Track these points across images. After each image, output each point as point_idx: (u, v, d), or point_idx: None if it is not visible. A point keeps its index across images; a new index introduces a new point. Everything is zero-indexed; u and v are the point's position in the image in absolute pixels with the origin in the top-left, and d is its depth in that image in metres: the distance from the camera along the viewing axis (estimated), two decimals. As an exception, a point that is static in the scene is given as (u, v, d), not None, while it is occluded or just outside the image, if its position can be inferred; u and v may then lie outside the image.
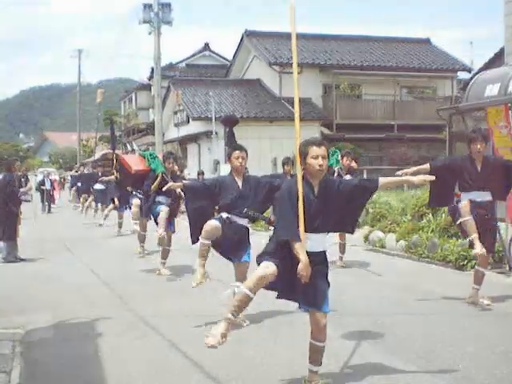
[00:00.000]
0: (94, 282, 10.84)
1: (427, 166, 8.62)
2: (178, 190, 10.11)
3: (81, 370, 6.08)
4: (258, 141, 29.52)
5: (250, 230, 8.11)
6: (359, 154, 32.32)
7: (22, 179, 21.77)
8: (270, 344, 6.69)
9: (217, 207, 7.79)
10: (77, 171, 33.22)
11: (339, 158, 12.02)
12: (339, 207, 5.34)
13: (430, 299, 8.74)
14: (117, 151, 14.30)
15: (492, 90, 11.16)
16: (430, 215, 13.74)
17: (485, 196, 8.41)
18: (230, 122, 12.60)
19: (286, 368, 5.91)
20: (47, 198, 30.80)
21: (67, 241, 17.09)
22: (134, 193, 12.90)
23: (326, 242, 5.40)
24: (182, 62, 50.04)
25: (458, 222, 8.62)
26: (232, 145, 13.81)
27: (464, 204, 8.41)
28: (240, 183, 7.61)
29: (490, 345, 6.61)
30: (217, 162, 29.33)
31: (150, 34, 31.18)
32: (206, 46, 51.05)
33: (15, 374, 5.93)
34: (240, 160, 7.54)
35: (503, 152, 10.35)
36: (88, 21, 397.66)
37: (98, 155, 40.51)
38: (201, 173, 25.30)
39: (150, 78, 41.78)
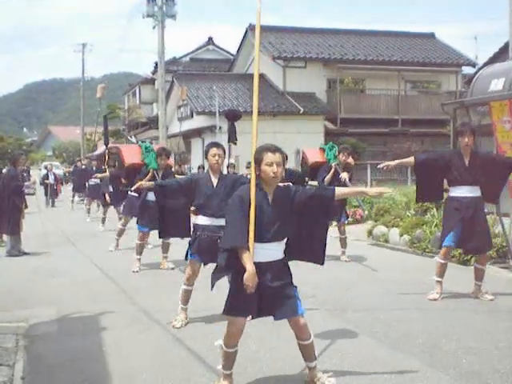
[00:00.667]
0: (98, 276, 10.85)
1: (411, 159, 8.64)
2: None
3: (84, 364, 6.08)
4: (262, 135, 29.25)
5: None
6: (363, 148, 32.35)
7: (25, 174, 21.77)
8: (273, 339, 6.69)
9: (192, 209, 7.64)
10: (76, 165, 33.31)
11: (336, 153, 11.96)
12: (293, 217, 5.21)
13: (429, 292, 8.71)
14: (118, 145, 14.21)
15: (497, 85, 11.11)
16: (434, 210, 13.72)
17: (473, 191, 8.37)
18: (232, 116, 12.55)
19: (288, 362, 5.90)
20: (51, 192, 30.82)
21: (71, 235, 17.12)
22: (128, 192, 12.82)
23: (283, 246, 5.23)
24: (185, 56, 50.05)
25: (437, 260, 8.79)
26: (233, 139, 13.77)
27: (443, 251, 8.56)
28: (215, 182, 7.38)
29: (493, 340, 6.60)
30: (220, 157, 29.30)
31: (153, 27, 31.17)
32: (210, 40, 51.04)
33: (18, 368, 5.95)
34: (217, 158, 7.31)
35: (505, 147, 10.32)
36: (92, 15, 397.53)
37: (100, 150, 40.49)
38: (201, 167, 25.27)
39: (154, 72, 41.81)
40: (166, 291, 9.25)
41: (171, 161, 12.27)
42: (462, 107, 12.05)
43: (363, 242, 14.84)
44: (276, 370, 5.77)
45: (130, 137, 45.73)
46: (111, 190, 17.43)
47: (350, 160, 12.27)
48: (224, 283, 6.49)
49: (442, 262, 8.61)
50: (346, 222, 12.64)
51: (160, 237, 8.01)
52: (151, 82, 46.30)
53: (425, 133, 33.59)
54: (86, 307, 8.41)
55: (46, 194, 30.97)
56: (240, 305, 5.07)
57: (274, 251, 5.12)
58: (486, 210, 8.81)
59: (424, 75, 37.24)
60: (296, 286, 5.26)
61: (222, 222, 7.21)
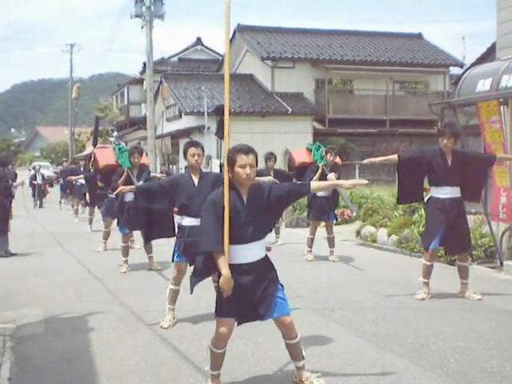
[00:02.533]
0: (86, 277, 10.82)
1: (395, 156, 8.63)
2: None
3: (72, 365, 6.06)
4: (250, 135, 29.43)
5: None
6: (352, 148, 32.39)
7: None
8: (260, 339, 6.68)
9: (176, 209, 7.59)
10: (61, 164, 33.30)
11: (323, 153, 11.95)
12: (270, 214, 5.21)
13: (416, 292, 8.73)
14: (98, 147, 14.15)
15: (484, 85, 11.14)
16: (422, 210, 13.73)
17: (455, 192, 8.39)
18: (222, 112, 12.52)
19: (277, 362, 5.90)
20: (39, 192, 30.72)
21: (58, 235, 17.06)
22: (107, 198, 12.79)
23: (264, 244, 5.21)
24: (174, 56, 50.00)
25: (422, 262, 8.78)
26: (220, 134, 13.77)
27: (430, 252, 8.58)
28: (196, 181, 7.35)
29: (481, 339, 6.62)
30: (209, 157, 29.27)
31: (142, 28, 31.11)
32: (199, 41, 51.00)
33: (5, 369, 5.91)
34: (196, 157, 7.29)
35: (495, 148, 10.36)
36: (80, 15, 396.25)
37: (88, 150, 40.35)
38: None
39: (142, 72, 41.65)
40: (154, 291, 9.23)
41: (146, 159, 12.19)
42: (449, 107, 12.07)
43: (351, 242, 14.87)
44: (264, 369, 5.77)
45: (111, 136, 45.44)
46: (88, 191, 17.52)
47: (338, 160, 12.27)
48: (210, 283, 6.49)
49: (428, 264, 8.62)
50: (334, 221, 12.66)
51: (146, 241, 7.97)
52: (140, 82, 46.16)
53: (413, 133, 33.66)
54: (74, 308, 8.39)
55: (33, 195, 30.86)
56: (228, 306, 5.05)
57: (254, 251, 5.08)
58: (473, 211, 8.85)
59: (412, 76, 37.31)
60: (282, 285, 5.25)
61: None
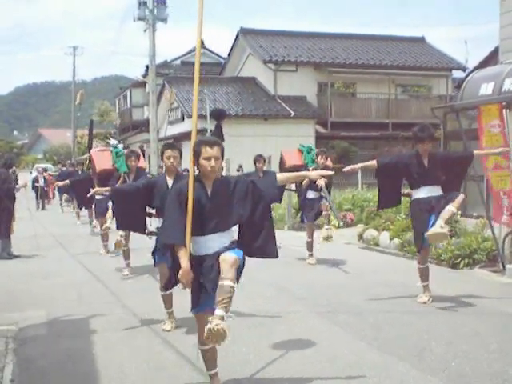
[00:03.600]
0: (88, 279, 10.83)
1: (374, 162, 8.66)
2: None
3: (74, 367, 6.07)
4: (253, 138, 29.52)
5: None
6: (354, 152, 32.37)
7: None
8: (263, 342, 6.69)
9: (151, 210, 7.62)
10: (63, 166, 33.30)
11: (314, 156, 11.91)
12: (235, 207, 5.14)
13: (418, 295, 8.72)
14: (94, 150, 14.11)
15: (486, 89, 11.16)
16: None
17: (435, 191, 8.35)
18: (217, 115, 12.49)
19: (278, 365, 5.91)
20: (41, 194, 30.76)
21: (61, 238, 17.08)
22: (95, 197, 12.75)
23: (230, 236, 5.16)
24: (176, 59, 49.98)
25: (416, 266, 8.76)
26: (219, 139, 13.77)
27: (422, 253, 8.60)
28: (170, 183, 7.37)
29: (483, 343, 6.62)
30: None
31: (145, 31, 31.13)
32: (201, 44, 50.94)
33: (8, 371, 5.93)
34: (171, 160, 7.34)
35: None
36: (83, 18, 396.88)
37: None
38: (185, 170, 25.23)
39: (145, 75, 41.71)
40: (155, 294, 9.21)
41: (143, 163, 12.17)
42: (452, 111, 12.09)
43: (354, 246, 14.86)
44: (266, 373, 5.77)
45: (109, 139, 45.37)
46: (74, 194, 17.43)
47: (329, 163, 12.18)
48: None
49: (422, 266, 8.63)
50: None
51: (117, 228, 7.98)
52: (142, 85, 46.20)
53: (415, 137, 33.60)
54: (76, 310, 8.40)
55: (36, 197, 30.90)
56: (195, 299, 5.15)
57: (217, 243, 5.05)
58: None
59: (414, 79, 37.31)
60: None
61: None
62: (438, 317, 7.81)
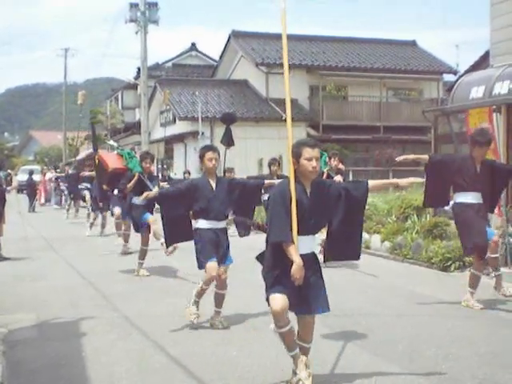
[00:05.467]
0: (79, 282, 10.80)
1: (426, 156, 8.55)
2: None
3: (64, 370, 6.05)
4: (244, 141, 29.49)
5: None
6: (346, 155, 32.40)
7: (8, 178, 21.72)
8: (254, 345, 6.68)
9: (191, 212, 7.61)
10: (59, 171, 33.21)
11: (327, 159, 11.96)
12: (328, 210, 5.32)
13: (415, 300, 8.75)
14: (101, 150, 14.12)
15: (477, 92, 11.21)
16: (415, 216, 13.78)
17: (479, 198, 8.30)
18: (229, 119, 12.61)
19: (269, 369, 5.90)
20: (32, 195, 30.77)
21: (52, 240, 17.02)
22: (114, 196, 12.76)
23: (315, 242, 5.40)
24: (168, 61, 49.98)
25: (488, 256, 8.48)
26: (229, 143, 13.90)
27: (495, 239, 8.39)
28: (214, 185, 7.42)
29: (473, 346, 6.63)
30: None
31: (136, 33, 31.12)
32: (193, 46, 51.02)
33: (-3, 374, 5.90)
34: (213, 161, 7.34)
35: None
36: (75, 20, 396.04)
37: (82, 155, 40.31)
38: (187, 172, 25.26)
39: (137, 77, 41.68)
40: (148, 297, 9.22)
41: (153, 166, 12.27)
42: (443, 114, 12.14)
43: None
44: (257, 376, 5.76)
45: (108, 141, 45.29)
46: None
47: (341, 166, 12.28)
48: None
49: (476, 273, 8.46)
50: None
51: (167, 245, 7.95)
52: (134, 87, 46.17)
53: (406, 140, 33.72)
54: (67, 313, 8.37)
55: (29, 199, 30.82)
56: (281, 287, 5.15)
57: (308, 244, 5.25)
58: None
59: (406, 82, 37.41)
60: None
61: (222, 224, 7.45)
62: (429, 320, 7.83)
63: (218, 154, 7.49)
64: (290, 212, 5.05)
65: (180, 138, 34.02)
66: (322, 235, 12.41)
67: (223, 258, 7.45)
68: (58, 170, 36.71)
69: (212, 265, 7.32)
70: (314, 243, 5.37)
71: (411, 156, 8.60)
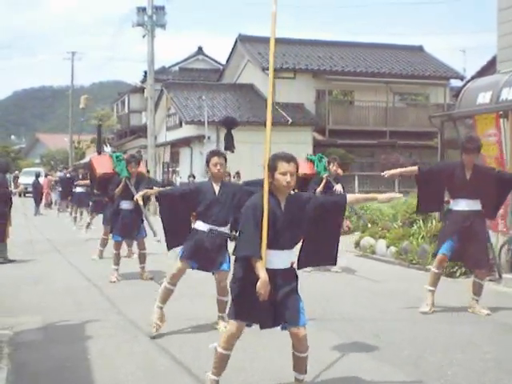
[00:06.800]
0: (84, 285, 10.80)
1: (415, 168, 8.61)
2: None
3: (69, 373, 6.04)
4: (251, 145, 29.46)
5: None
6: (351, 159, 32.40)
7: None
8: (258, 349, 6.68)
9: (194, 213, 7.57)
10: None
11: (326, 164, 11.89)
12: (303, 224, 5.25)
13: (420, 305, 8.72)
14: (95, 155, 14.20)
15: (484, 98, 11.19)
16: (421, 222, 13.75)
17: (474, 205, 8.34)
18: (230, 123, 12.58)
19: (274, 373, 5.90)
20: (37, 199, 30.86)
21: (57, 243, 17.05)
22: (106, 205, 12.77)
23: (293, 256, 5.25)
24: (175, 65, 50.08)
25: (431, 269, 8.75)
26: (230, 147, 13.84)
27: (440, 257, 8.54)
28: (217, 189, 7.36)
29: (479, 352, 6.61)
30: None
31: (143, 37, 31.19)
32: (200, 50, 51.10)
33: (2, 376, 5.90)
34: (218, 167, 7.28)
35: (488, 161, 10.38)
36: (82, 23, 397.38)
37: (88, 158, 40.31)
38: (191, 176, 25.29)
39: (143, 81, 41.72)
40: (152, 300, 9.20)
41: (143, 168, 12.14)
42: (449, 120, 12.11)
43: (350, 253, 14.84)
44: (261, 380, 5.76)
45: (106, 146, 45.26)
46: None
47: (339, 171, 12.22)
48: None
49: (436, 271, 8.58)
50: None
51: (168, 249, 7.94)
52: (140, 90, 46.17)
53: (412, 145, 33.72)
54: (72, 315, 8.37)
55: (35, 202, 30.89)
56: (247, 310, 5.08)
57: (284, 259, 5.13)
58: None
59: (412, 87, 37.40)
60: (300, 297, 5.24)
61: (222, 230, 7.33)
62: (434, 325, 7.80)
63: (225, 159, 7.45)
64: (261, 226, 4.94)
65: (186, 141, 34.04)
66: None
67: (214, 263, 7.39)
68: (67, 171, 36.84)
69: (181, 264, 7.38)
70: (291, 257, 5.20)
71: (398, 170, 8.67)
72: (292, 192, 5.25)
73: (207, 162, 7.40)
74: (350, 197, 5.58)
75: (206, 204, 7.30)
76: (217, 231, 7.29)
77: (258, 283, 4.88)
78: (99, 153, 16.46)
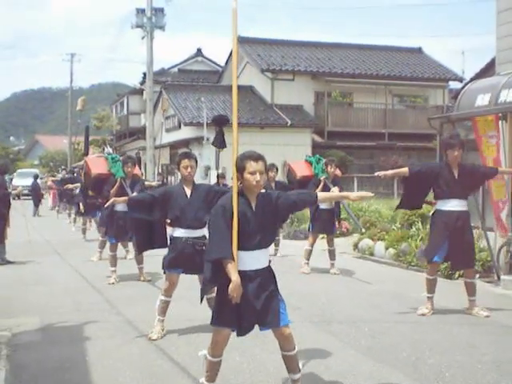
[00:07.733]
0: (83, 286, 10.81)
1: (406, 169, 8.63)
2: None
3: (68, 374, 6.04)
4: (250, 147, 29.14)
5: None
6: (350, 161, 32.41)
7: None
8: (256, 350, 6.68)
9: (168, 220, 7.54)
10: (53, 175, 33.36)
11: (324, 166, 11.89)
12: (275, 222, 5.28)
13: (419, 307, 8.72)
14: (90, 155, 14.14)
15: (483, 100, 11.19)
16: (419, 223, 13.76)
17: (462, 205, 8.37)
18: (220, 121, 12.58)
19: (272, 374, 5.90)
20: (35, 200, 30.83)
21: (56, 244, 17.05)
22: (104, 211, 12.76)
23: (268, 256, 5.21)
24: (174, 67, 50.10)
25: (425, 276, 8.79)
26: (219, 144, 13.84)
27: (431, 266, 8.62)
28: (189, 192, 7.33)
29: (477, 353, 6.61)
30: (208, 168, 29.31)
31: (142, 38, 31.23)
32: (199, 52, 51.12)
33: (1, 377, 5.90)
34: (189, 169, 7.27)
35: (489, 162, 10.39)
36: (81, 24, 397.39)
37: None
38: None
39: (142, 82, 41.74)
40: (151, 302, 9.18)
41: (138, 170, 12.14)
42: (448, 122, 12.11)
43: (349, 255, 14.85)
44: (259, 381, 5.76)
45: (106, 147, 45.25)
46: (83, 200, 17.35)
47: (338, 172, 12.23)
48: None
49: (431, 278, 8.60)
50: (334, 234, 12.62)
51: (138, 252, 7.94)
52: (139, 92, 46.16)
53: (411, 147, 33.71)
54: (70, 317, 8.38)
55: (34, 203, 30.88)
56: (227, 315, 5.01)
57: (259, 259, 5.05)
58: (472, 225, 8.83)
59: (411, 89, 37.41)
60: (281, 296, 5.21)
61: (198, 232, 7.30)
62: (433, 327, 7.80)
63: (195, 162, 7.41)
64: (232, 227, 4.90)
65: (185, 143, 34.03)
66: (306, 245, 12.51)
67: (200, 265, 7.34)
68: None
69: (172, 276, 7.40)
70: (266, 257, 5.14)
71: (390, 172, 8.68)
72: (263, 191, 5.20)
73: (177, 164, 7.39)
74: (321, 195, 5.69)
75: (179, 208, 7.26)
76: (192, 240, 7.28)
77: (230, 286, 4.84)
78: (86, 155, 16.38)
